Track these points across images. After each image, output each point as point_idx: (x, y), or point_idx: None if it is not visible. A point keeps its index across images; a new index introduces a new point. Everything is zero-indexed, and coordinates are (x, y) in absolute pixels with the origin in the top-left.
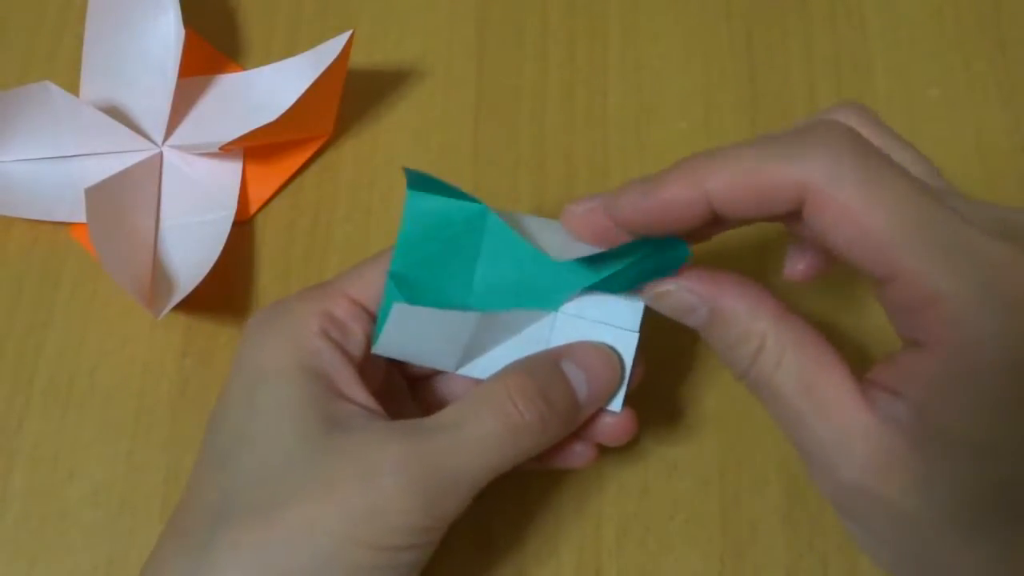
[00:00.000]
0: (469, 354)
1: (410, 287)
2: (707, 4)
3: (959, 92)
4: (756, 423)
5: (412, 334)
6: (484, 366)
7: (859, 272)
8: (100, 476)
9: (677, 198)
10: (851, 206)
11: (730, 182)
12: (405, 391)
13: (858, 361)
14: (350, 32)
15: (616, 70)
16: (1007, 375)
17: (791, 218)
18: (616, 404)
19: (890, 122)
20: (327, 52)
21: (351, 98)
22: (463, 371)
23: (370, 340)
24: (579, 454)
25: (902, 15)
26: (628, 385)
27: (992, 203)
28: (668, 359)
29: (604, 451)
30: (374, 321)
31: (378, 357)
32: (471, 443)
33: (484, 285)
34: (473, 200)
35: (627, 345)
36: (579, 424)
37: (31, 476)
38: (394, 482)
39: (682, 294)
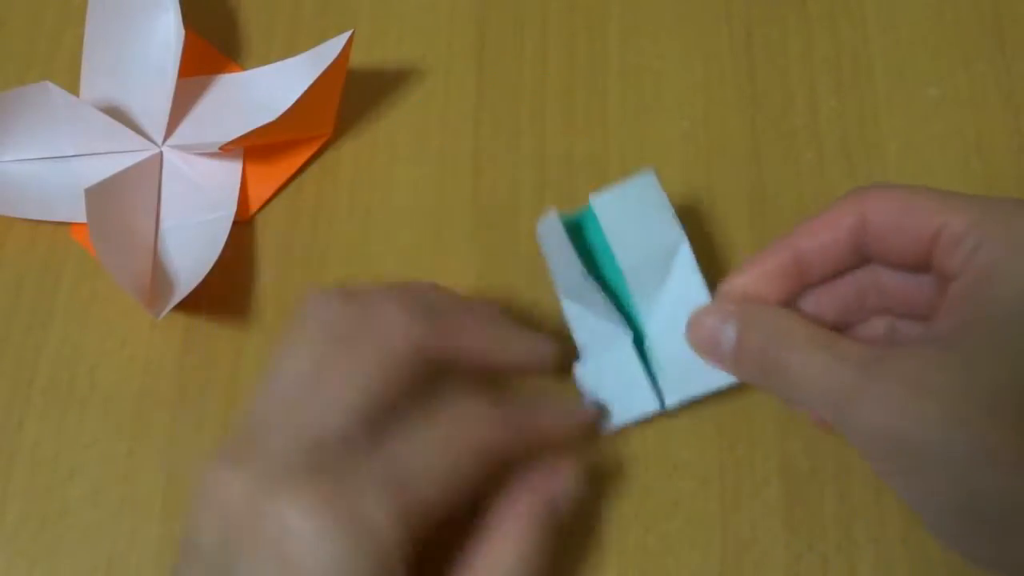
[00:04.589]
0: (572, 295)
1: (584, 221)
2: (707, 4)
3: (959, 92)
4: (756, 423)
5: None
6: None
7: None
8: (100, 476)
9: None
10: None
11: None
12: None
13: None
14: (350, 32)
15: (616, 70)
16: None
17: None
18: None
19: (890, 122)
20: (327, 52)
21: (351, 98)
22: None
23: None
24: None
25: (902, 15)
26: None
27: None
28: None
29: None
30: None
31: None
32: None
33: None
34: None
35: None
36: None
37: (31, 476)
38: None
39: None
